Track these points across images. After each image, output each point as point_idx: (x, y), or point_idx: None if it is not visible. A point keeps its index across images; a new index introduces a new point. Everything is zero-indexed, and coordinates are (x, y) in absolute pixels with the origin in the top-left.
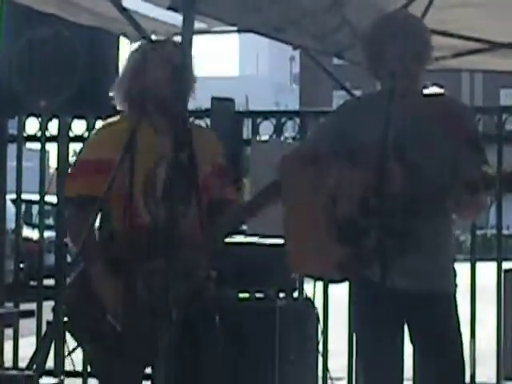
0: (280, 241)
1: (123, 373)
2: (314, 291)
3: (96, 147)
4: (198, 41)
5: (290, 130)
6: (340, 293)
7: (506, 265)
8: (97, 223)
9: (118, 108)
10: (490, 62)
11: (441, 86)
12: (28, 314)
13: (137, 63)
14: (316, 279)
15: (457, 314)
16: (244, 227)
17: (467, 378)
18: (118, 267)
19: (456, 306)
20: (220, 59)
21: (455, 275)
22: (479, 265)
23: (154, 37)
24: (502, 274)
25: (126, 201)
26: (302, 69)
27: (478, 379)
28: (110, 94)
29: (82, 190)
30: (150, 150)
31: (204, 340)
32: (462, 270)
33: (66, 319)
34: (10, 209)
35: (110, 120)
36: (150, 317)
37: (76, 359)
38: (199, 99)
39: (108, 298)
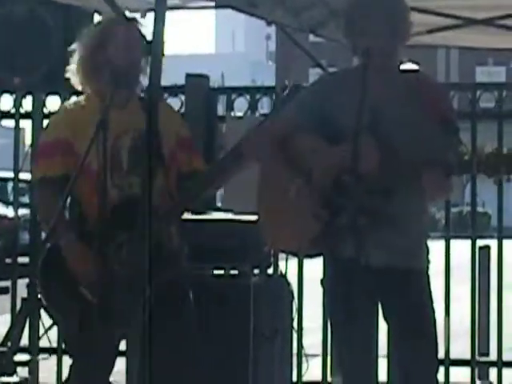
0: (254, 217)
1: (98, 346)
2: (286, 267)
3: (53, 128)
4: (173, 17)
5: (265, 106)
6: (314, 269)
7: (480, 242)
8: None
9: (78, 86)
10: (465, 39)
11: (416, 63)
12: (3, 291)
13: (98, 38)
14: (290, 254)
15: (429, 290)
16: (218, 204)
17: (441, 354)
18: (89, 242)
19: (429, 282)
20: (196, 36)
21: (428, 251)
22: (454, 242)
23: (127, 13)
24: (477, 251)
25: (92, 179)
26: (278, 46)
27: (452, 356)
28: (67, 73)
29: (45, 172)
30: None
31: (176, 312)
32: (438, 247)
33: (39, 295)
34: None
35: (70, 101)
36: (122, 290)
37: (51, 336)
38: (174, 76)
39: (80, 271)
